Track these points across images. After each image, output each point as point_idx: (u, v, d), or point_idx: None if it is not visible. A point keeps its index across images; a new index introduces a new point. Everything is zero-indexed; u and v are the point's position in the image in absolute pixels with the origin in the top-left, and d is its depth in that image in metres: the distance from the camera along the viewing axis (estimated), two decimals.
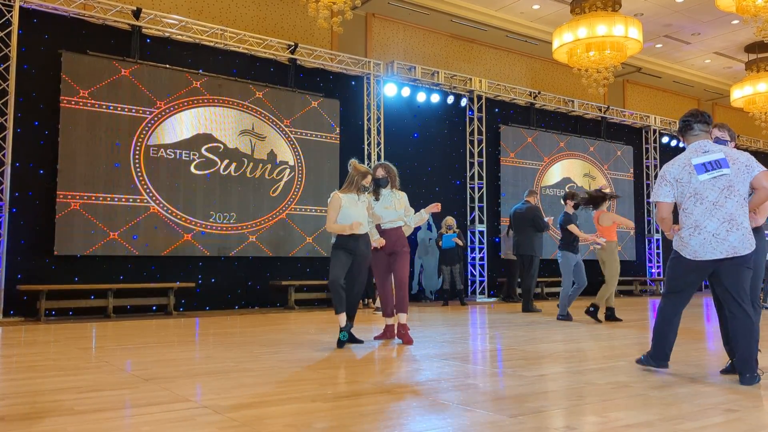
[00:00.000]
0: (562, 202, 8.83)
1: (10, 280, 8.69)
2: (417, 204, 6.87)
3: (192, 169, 10.11)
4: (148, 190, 9.70)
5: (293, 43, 11.19)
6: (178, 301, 9.85)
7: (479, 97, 13.50)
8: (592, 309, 8.00)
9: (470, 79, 13.33)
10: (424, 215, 6.24)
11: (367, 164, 11.77)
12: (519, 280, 11.67)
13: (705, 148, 4.03)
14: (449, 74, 13.05)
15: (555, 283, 13.48)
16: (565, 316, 8.31)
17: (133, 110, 9.68)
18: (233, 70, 10.79)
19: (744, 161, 3.95)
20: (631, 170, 16.17)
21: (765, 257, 4.54)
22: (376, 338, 6.23)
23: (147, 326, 7.79)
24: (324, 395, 3.56)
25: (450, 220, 11.65)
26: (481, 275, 13.14)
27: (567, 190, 9.06)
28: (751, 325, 3.87)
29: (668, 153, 16.21)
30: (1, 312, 8.48)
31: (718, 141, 4.69)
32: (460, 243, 11.62)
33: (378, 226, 6.06)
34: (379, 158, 12.09)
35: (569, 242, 8.42)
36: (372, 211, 6.03)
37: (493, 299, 13.15)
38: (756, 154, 19.36)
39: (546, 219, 10.12)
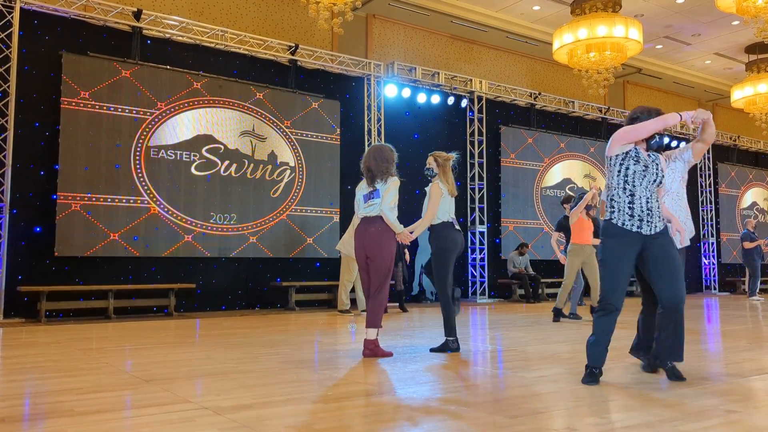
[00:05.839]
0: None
1: (10, 282, 8.70)
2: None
3: (192, 170, 10.11)
4: (148, 191, 9.70)
5: (294, 44, 11.19)
6: (178, 302, 9.85)
7: (479, 98, 13.51)
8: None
9: (470, 80, 13.34)
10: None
11: None
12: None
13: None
14: (449, 75, 13.06)
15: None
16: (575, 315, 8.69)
17: (134, 111, 9.68)
18: (234, 71, 10.80)
19: None
20: None
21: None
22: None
23: (147, 327, 7.79)
24: (325, 396, 3.57)
25: None
26: (481, 276, 13.14)
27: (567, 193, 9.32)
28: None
29: None
30: (1, 313, 8.49)
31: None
32: None
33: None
34: None
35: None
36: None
37: (493, 300, 13.16)
38: (756, 154, 19.40)
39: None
